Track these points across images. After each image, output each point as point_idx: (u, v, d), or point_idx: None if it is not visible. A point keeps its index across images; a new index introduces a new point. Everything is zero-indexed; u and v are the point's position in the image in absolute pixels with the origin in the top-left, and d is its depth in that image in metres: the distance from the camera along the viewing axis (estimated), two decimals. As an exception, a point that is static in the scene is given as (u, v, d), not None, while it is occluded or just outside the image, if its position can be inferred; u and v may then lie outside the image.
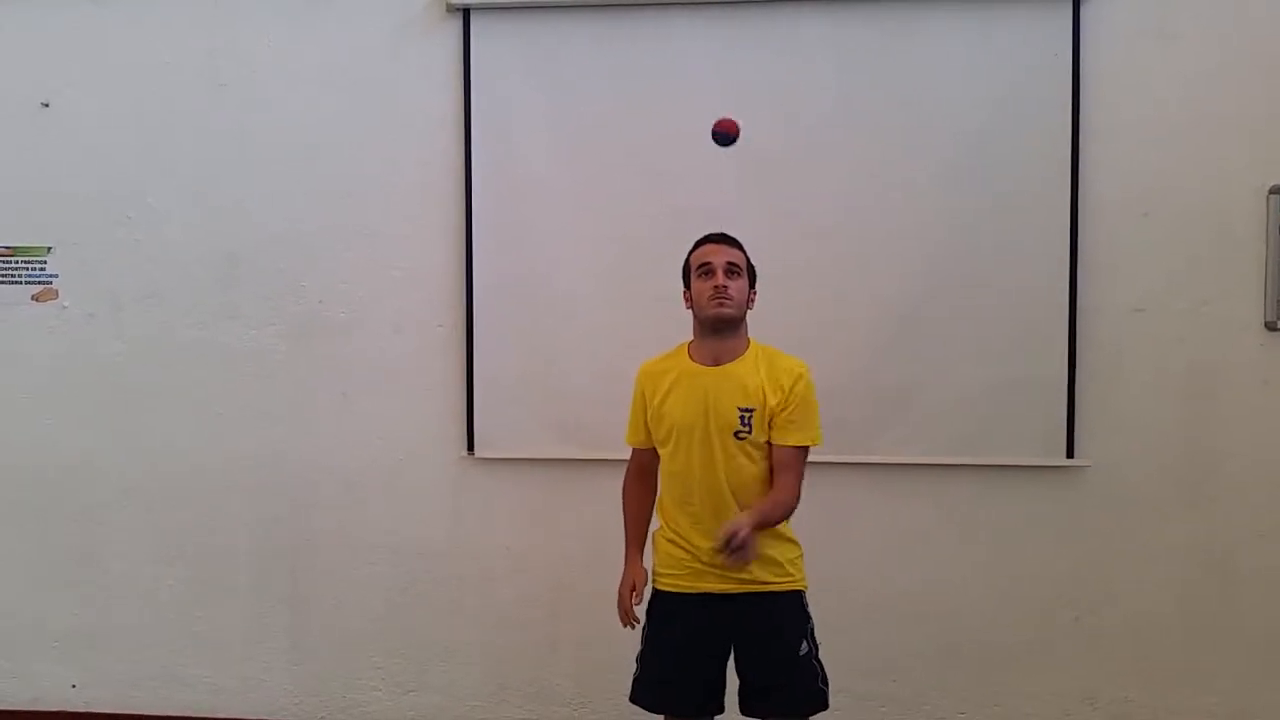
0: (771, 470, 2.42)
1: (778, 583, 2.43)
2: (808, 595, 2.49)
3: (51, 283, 3.42)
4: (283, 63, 3.33)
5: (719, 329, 2.42)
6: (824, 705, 2.44)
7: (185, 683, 3.45)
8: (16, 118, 3.40)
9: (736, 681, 2.47)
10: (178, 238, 3.38)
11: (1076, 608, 3.18)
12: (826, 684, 2.44)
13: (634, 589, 2.55)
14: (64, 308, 3.42)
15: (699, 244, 2.49)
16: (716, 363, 2.43)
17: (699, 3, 3.16)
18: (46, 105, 3.39)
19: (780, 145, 3.15)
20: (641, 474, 2.62)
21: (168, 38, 3.35)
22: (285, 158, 3.34)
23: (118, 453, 3.42)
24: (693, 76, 3.17)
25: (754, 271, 2.50)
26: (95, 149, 3.39)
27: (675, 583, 2.48)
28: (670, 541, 2.49)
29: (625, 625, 2.55)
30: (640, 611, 2.55)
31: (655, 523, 2.58)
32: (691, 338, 2.51)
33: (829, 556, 3.02)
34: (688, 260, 2.49)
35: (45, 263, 3.42)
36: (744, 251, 2.49)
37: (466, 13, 3.23)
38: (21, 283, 3.42)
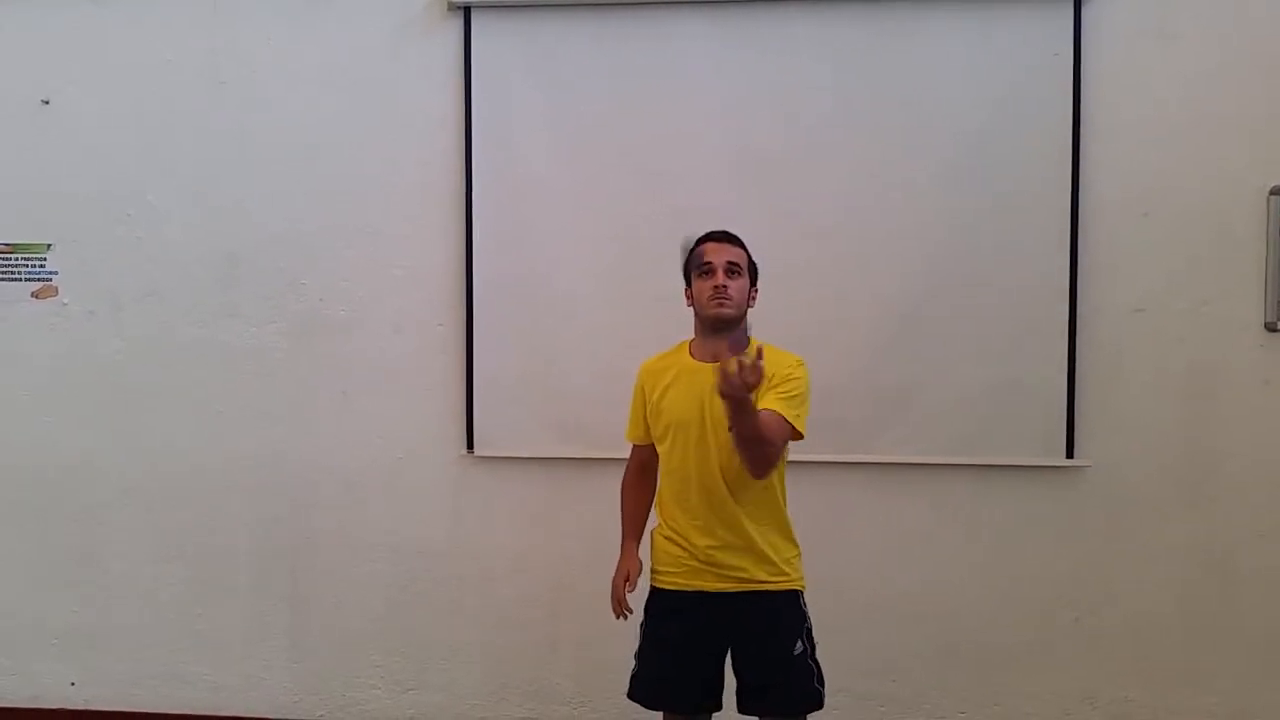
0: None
1: (774, 582, 2.43)
2: (806, 595, 2.49)
3: (51, 280, 3.43)
4: (283, 61, 3.33)
5: (719, 328, 2.42)
6: (819, 705, 2.43)
7: (185, 681, 3.45)
8: (17, 116, 3.40)
9: (734, 680, 2.47)
10: (178, 236, 3.38)
11: (1076, 608, 3.18)
12: (823, 684, 2.44)
13: (628, 579, 2.56)
14: (64, 304, 3.42)
15: (700, 242, 2.49)
16: (716, 360, 2.43)
17: (700, 2, 3.17)
18: (46, 103, 3.39)
19: (780, 145, 3.15)
20: (641, 470, 2.62)
21: (168, 37, 3.36)
22: (286, 156, 3.34)
23: (117, 451, 3.43)
24: (693, 76, 3.17)
25: (756, 269, 2.50)
26: (95, 147, 3.39)
27: (673, 580, 2.48)
28: (668, 539, 2.49)
29: (617, 615, 2.56)
30: (634, 603, 2.55)
31: (654, 520, 2.59)
32: (693, 335, 2.51)
33: (829, 556, 3.03)
34: (688, 258, 2.49)
35: (45, 260, 3.42)
36: (746, 249, 2.49)
37: (467, 12, 3.23)
38: (21, 280, 3.43)
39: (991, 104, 3.10)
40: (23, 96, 3.40)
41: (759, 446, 2.27)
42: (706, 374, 2.41)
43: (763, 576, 2.42)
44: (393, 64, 3.30)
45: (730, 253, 2.44)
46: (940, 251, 3.12)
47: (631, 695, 2.52)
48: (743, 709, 2.45)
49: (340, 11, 3.31)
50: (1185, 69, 3.07)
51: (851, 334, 3.14)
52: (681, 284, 2.52)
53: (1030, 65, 3.09)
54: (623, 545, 2.62)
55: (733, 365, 2.07)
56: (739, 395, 2.11)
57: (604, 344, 3.16)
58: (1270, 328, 3.07)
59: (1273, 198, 3.05)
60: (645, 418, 2.54)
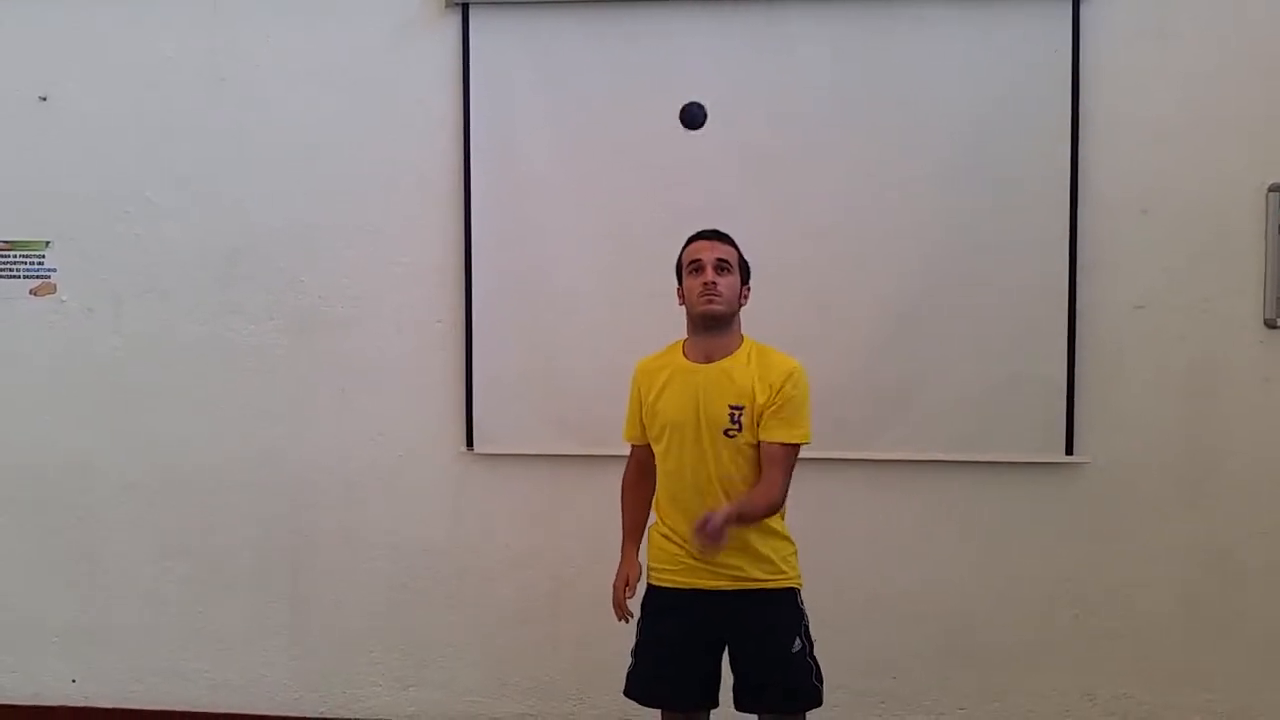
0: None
1: (770, 580, 2.43)
2: (805, 592, 2.48)
3: (50, 277, 3.43)
4: (283, 59, 3.33)
5: (710, 326, 2.42)
6: (818, 702, 2.43)
7: (185, 678, 3.45)
8: (16, 113, 3.41)
9: (732, 677, 2.47)
10: (177, 234, 3.38)
11: (1076, 605, 3.18)
12: (821, 681, 2.44)
13: (628, 583, 2.57)
14: (62, 302, 3.42)
15: (690, 240, 2.50)
16: (709, 360, 2.43)
17: (699, -1, 3.17)
18: (44, 99, 3.39)
19: (778, 143, 3.15)
20: (640, 470, 2.62)
21: (168, 35, 3.36)
22: (285, 154, 3.34)
23: (117, 449, 3.43)
24: (692, 73, 3.16)
25: (748, 268, 2.50)
26: (94, 144, 3.39)
27: (669, 578, 2.48)
28: (664, 537, 2.50)
29: (619, 619, 2.57)
30: (634, 605, 2.55)
31: (653, 517, 2.59)
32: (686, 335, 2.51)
33: (830, 554, 3.04)
34: (680, 257, 2.50)
35: (43, 257, 3.42)
36: (736, 248, 2.48)
37: (465, 9, 3.23)
38: (19, 277, 3.43)
39: (990, 103, 3.10)
40: (22, 92, 3.40)
41: (765, 514, 2.38)
42: (700, 374, 2.42)
43: (759, 575, 2.42)
44: (392, 62, 3.30)
45: (720, 250, 2.44)
46: (939, 250, 3.12)
47: (628, 692, 2.52)
48: (740, 706, 2.45)
49: (339, 10, 3.31)
50: (1184, 68, 3.07)
51: (850, 333, 3.14)
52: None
53: (1029, 64, 3.09)
54: (623, 549, 2.63)
55: (699, 536, 2.21)
56: (720, 549, 2.24)
57: (604, 340, 3.16)
58: (1270, 325, 3.07)
59: (1272, 195, 3.05)
60: (641, 418, 2.54)
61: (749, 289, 2.50)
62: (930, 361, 3.13)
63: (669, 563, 2.48)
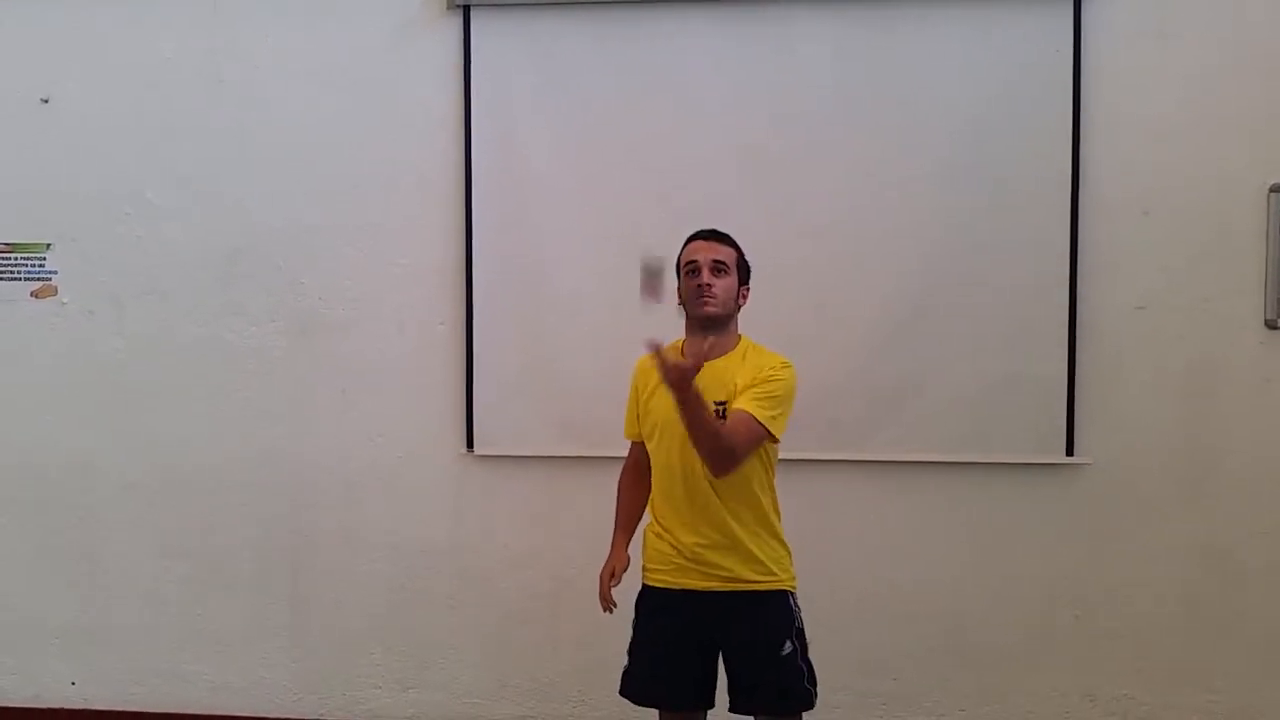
0: (757, 472, 2.40)
1: (762, 582, 2.41)
2: (804, 594, 2.48)
3: (51, 279, 3.43)
4: (283, 59, 3.33)
5: (706, 326, 2.41)
6: (810, 705, 2.43)
7: (185, 679, 3.45)
8: (16, 114, 3.41)
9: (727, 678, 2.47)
10: (177, 235, 3.38)
11: (1076, 605, 3.18)
12: (814, 683, 2.43)
13: (614, 574, 2.58)
14: (63, 304, 3.42)
15: (688, 241, 2.49)
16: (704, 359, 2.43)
17: None
18: (46, 101, 3.39)
19: (778, 142, 3.15)
20: (637, 468, 2.62)
21: (168, 36, 3.36)
22: (286, 154, 3.34)
23: (117, 450, 3.43)
24: (692, 73, 3.17)
25: (748, 268, 2.50)
26: (95, 145, 3.39)
27: (661, 578, 2.48)
28: (658, 536, 2.49)
29: (604, 610, 2.58)
30: (625, 598, 2.55)
31: (647, 517, 2.58)
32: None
33: (829, 555, 3.04)
34: (679, 257, 2.49)
35: (44, 259, 3.42)
36: (735, 248, 2.48)
37: (467, 10, 3.23)
38: (21, 279, 3.43)
39: (990, 102, 3.10)
40: (22, 94, 3.40)
41: (710, 441, 2.27)
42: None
43: (750, 576, 2.41)
44: (392, 62, 3.30)
45: (717, 251, 2.43)
46: (938, 250, 3.12)
47: (623, 692, 2.52)
48: (734, 708, 2.45)
49: (340, 10, 3.31)
50: (1184, 68, 3.07)
51: (849, 332, 3.14)
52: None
53: (1029, 64, 3.09)
54: (613, 539, 2.63)
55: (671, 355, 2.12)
56: (676, 382, 2.15)
57: (604, 341, 3.15)
58: (1270, 325, 3.07)
59: (1272, 195, 3.05)
60: (638, 416, 2.54)
61: (748, 289, 2.49)
62: (930, 361, 3.13)
63: (661, 563, 2.48)
